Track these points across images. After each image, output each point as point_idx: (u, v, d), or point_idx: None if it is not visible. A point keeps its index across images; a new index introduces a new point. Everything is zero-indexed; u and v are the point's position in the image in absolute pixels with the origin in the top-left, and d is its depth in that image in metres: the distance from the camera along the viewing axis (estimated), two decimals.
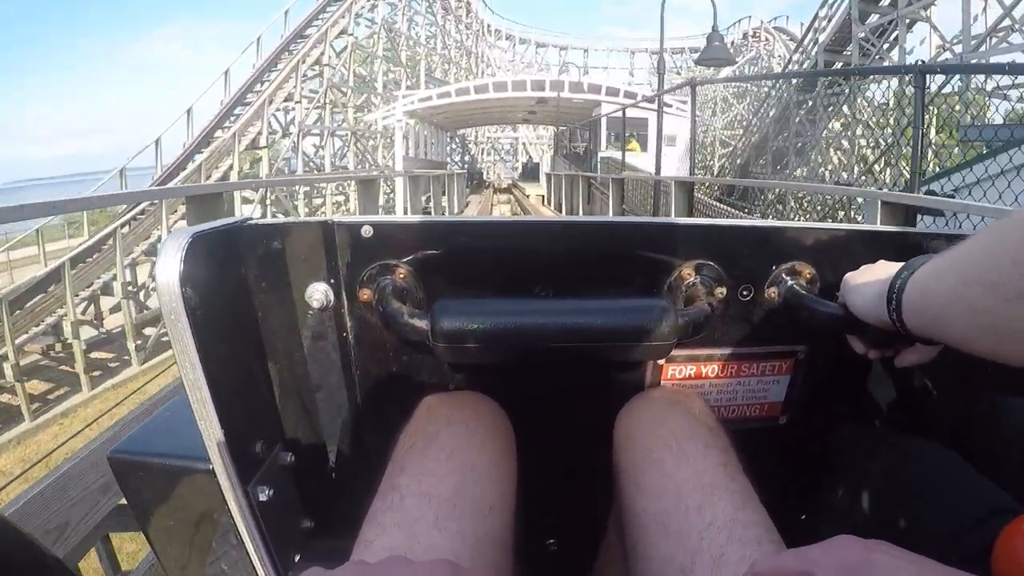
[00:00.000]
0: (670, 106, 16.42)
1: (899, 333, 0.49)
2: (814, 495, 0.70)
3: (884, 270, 0.52)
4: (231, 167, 13.65)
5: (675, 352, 0.66)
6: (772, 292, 0.65)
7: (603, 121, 16.79)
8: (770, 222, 0.73)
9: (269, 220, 0.58)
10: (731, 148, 16.80)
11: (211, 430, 0.49)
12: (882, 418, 0.76)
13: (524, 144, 36.85)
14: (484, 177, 32.70)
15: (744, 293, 0.66)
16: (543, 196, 17.42)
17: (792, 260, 0.64)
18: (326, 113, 17.31)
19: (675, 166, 15.34)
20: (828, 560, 0.31)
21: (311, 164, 18.63)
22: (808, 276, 0.65)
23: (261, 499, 0.54)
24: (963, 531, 0.50)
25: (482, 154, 36.87)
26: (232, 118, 15.41)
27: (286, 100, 16.11)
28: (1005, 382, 0.64)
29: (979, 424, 0.65)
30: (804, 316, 0.62)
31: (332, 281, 0.61)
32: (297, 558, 0.60)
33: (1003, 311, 0.34)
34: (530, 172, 27.79)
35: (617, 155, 14.83)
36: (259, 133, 14.83)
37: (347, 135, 18.33)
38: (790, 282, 0.64)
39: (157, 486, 0.59)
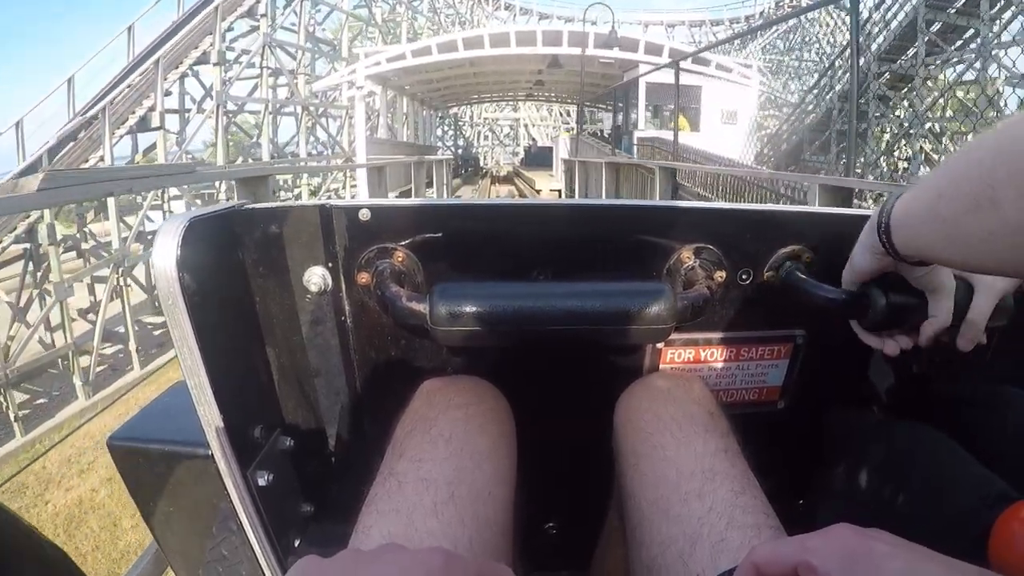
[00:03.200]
0: (729, 70, 12.42)
1: (898, 314, 0.54)
2: (812, 480, 0.72)
3: None
4: (102, 158, 8.94)
5: (674, 336, 0.66)
6: (771, 276, 0.66)
7: (642, 87, 11.88)
8: (770, 206, 0.69)
9: (267, 204, 0.59)
10: (771, 131, 13.27)
11: (210, 416, 0.50)
12: (880, 404, 0.77)
13: (526, 125, 32.36)
14: (481, 163, 28.12)
15: (743, 277, 0.66)
16: (559, 192, 12.70)
17: (792, 244, 0.65)
18: (263, 82, 12.45)
19: (737, 149, 10.61)
20: (826, 548, 0.32)
21: (250, 150, 13.83)
22: (808, 260, 0.65)
23: (260, 484, 0.55)
24: (961, 517, 0.51)
25: (478, 138, 32.31)
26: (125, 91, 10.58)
27: (197, 63, 11.22)
28: (1004, 368, 0.66)
29: (978, 411, 0.65)
30: (803, 300, 0.62)
31: (330, 265, 0.61)
32: (297, 543, 0.62)
33: (968, 221, 0.38)
34: (534, 157, 23.54)
35: (666, 135, 10.14)
36: (151, 109, 10.00)
37: (299, 112, 13.45)
38: (789, 266, 0.65)
39: (157, 472, 0.60)
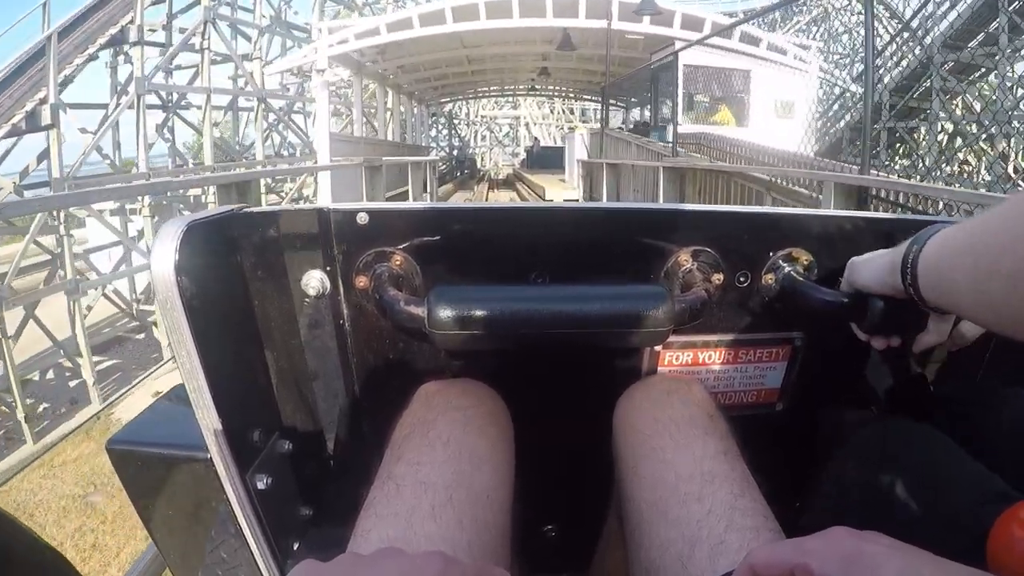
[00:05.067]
0: (783, 52, 10.31)
1: (897, 318, 0.55)
2: (811, 482, 0.73)
3: (891, 249, 0.56)
4: None
5: (672, 339, 0.67)
6: (769, 279, 0.67)
7: (680, 69, 9.24)
8: (767, 208, 0.69)
9: (264, 208, 0.60)
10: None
11: (208, 419, 0.51)
12: (878, 405, 0.78)
13: (527, 124, 30.03)
14: (478, 165, 25.94)
15: (741, 279, 0.67)
16: (577, 202, 10.29)
17: (789, 247, 0.66)
18: (204, 68, 9.98)
19: (794, 148, 7.73)
20: (824, 551, 0.32)
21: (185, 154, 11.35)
22: (805, 263, 0.66)
23: (259, 487, 0.56)
24: (959, 518, 0.51)
25: (476, 138, 29.97)
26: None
27: (111, 44, 8.72)
28: (1003, 369, 0.67)
29: (976, 411, 0.66)
30: (801, 303, 0.63)
31: (328, 268, 0.62)
32: (296, 546, 0.62)
33: (1009, 289, 0.37)
34: (538, 159, 21.27)
35: (711, 130, 7.82)
36: (42, 102, 7.56)
37: (255, 104, 11.00)
38: (787, 269, 0.66)
39: (156, 476, 0.61)
